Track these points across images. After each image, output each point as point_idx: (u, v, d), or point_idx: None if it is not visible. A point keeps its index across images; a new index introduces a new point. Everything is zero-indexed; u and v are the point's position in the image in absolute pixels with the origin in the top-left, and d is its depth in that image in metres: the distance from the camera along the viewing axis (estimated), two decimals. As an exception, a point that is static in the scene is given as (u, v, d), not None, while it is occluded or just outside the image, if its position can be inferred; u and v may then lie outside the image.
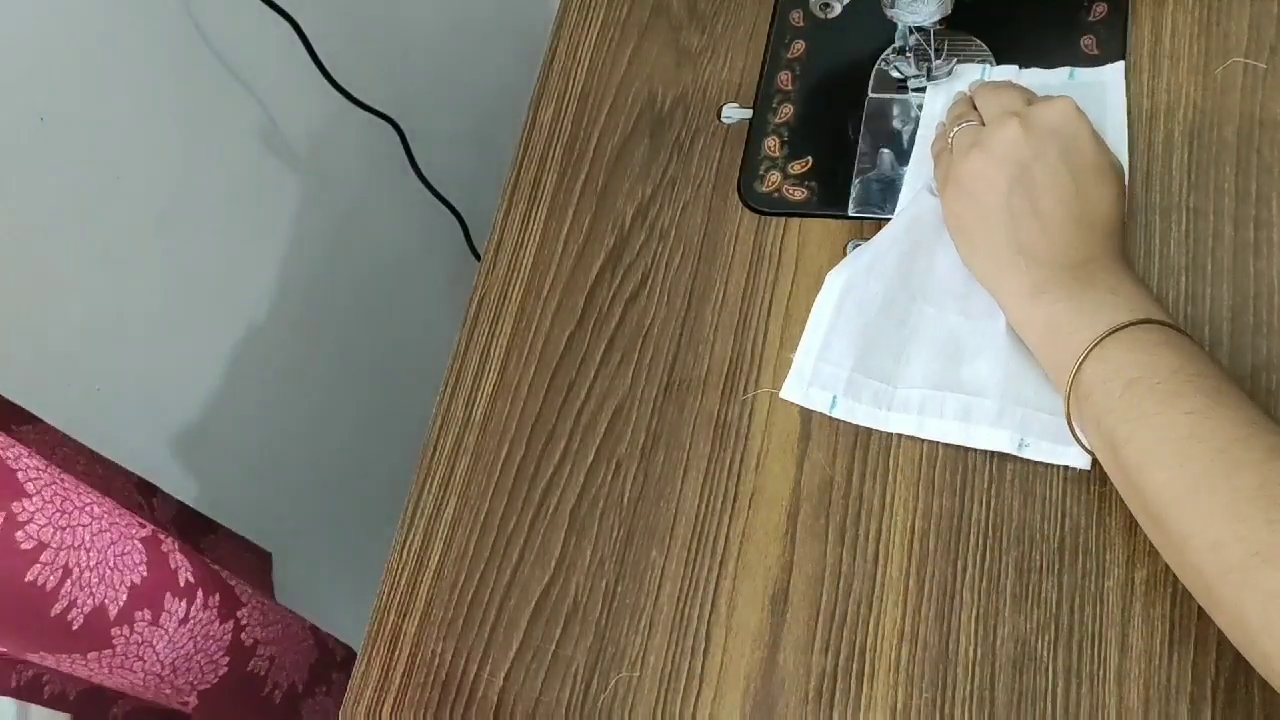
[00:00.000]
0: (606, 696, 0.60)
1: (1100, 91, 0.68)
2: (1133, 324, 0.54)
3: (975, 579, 0.58)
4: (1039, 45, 0.69)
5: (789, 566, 0.61)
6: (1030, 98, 0.62)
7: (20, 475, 0.56)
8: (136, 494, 0.75)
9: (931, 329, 0.64)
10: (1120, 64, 0.68)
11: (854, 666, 0.58)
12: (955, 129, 0.63)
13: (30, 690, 0.64)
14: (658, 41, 0.79)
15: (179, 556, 0.64)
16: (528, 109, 0.79)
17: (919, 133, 0.70)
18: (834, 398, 0.63)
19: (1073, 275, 0.57)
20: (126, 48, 0.72)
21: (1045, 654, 0.56)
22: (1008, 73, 0.70)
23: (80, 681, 0.66)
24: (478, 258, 0.94)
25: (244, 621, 0.68)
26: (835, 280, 0.66)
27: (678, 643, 0.61)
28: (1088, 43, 0.70)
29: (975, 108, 0.64)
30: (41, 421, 0.69)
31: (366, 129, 0.93)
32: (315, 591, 0.91)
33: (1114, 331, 0.54)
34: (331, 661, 0.80)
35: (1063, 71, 0.69)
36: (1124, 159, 0.65)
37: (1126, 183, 0.65)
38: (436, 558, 0.66)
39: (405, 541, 0.67)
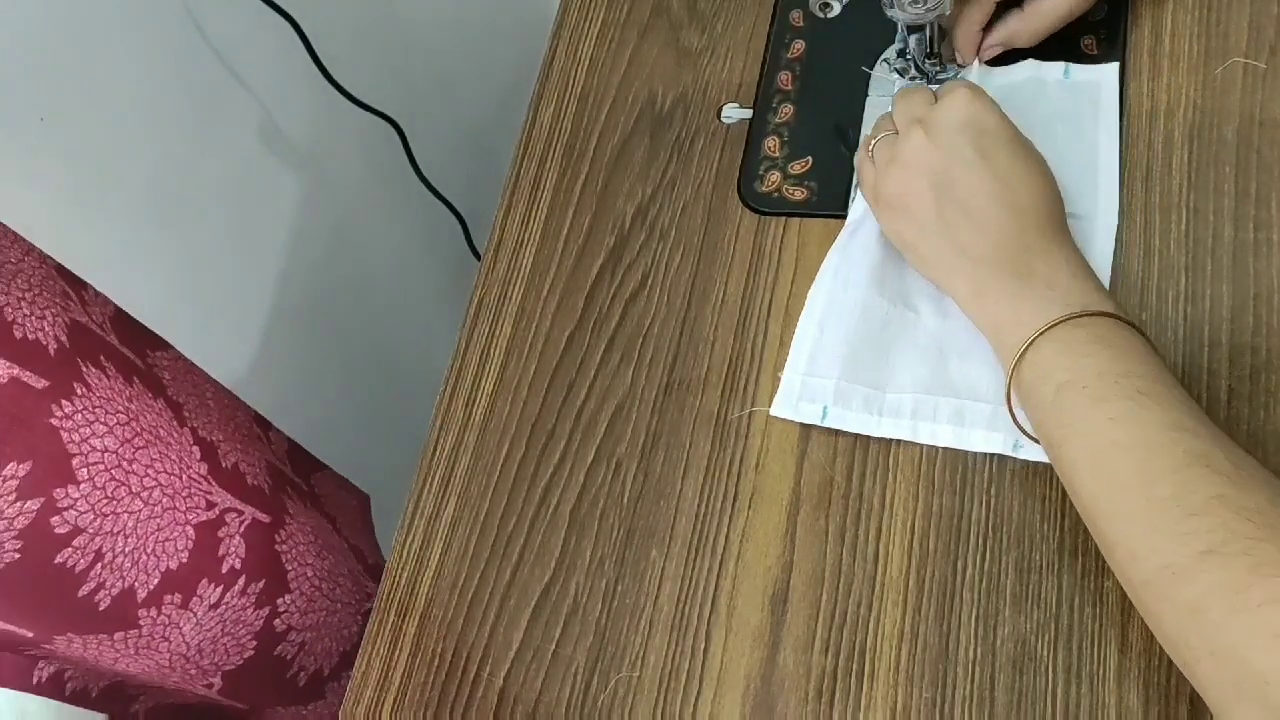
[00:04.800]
0: (606, 696, 0.60)
1: (1094, 91, 0.68)
2: (1066, 319, 0.54)
3: (975, 579, 0.58)
4: (1039, 45, 0.69)
5: (789, 566, 0.61)
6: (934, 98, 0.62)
7: (76, 461, 0.57)
8: (255, 425, 0.77)
9: (912, 332, 0.64)
10: (1115, 64, 0.68)
11: (854, 666, 0.58)
12: (874, 141, 0.63)
13: (52, 686, 0.64)
14: (658, 41, 0.79)
15: (237, 542, 0.65)
16: (528, 109, 0.79)
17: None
18: (824, 408, 0.63)
19: (1011, 271, 0.57)
20: (126, 48, 0.72)
21: (1045, 654, 0.56)
22: (1007, 71, 0.70)
23: (103, 676, 0.67)
24: (478, 258, 0.94)
25: (282, 609, 0.69)
26: (815, 296, 0.66)
27: (678, 643, 0.61)
28: (1088, 43, 0.70)
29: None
30: (174, 349, 0.69)
31: (366, 129, 0.93)
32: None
33: (1045, 330, 0.54)
34: None
35: (1057, 67, 0.69)
36: (1116, 158, 0.65)
37: (1125, 180, 0.65)
38: (436, 558, 0.66)
39: (405, 541, 0.67)
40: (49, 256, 0.63)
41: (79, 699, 0.66)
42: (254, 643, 0.68)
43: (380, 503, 0.97)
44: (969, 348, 0.62)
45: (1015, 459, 0.60)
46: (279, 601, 0.69)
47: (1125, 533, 0.49)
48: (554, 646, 0.62)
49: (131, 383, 0.62)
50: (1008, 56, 0.70)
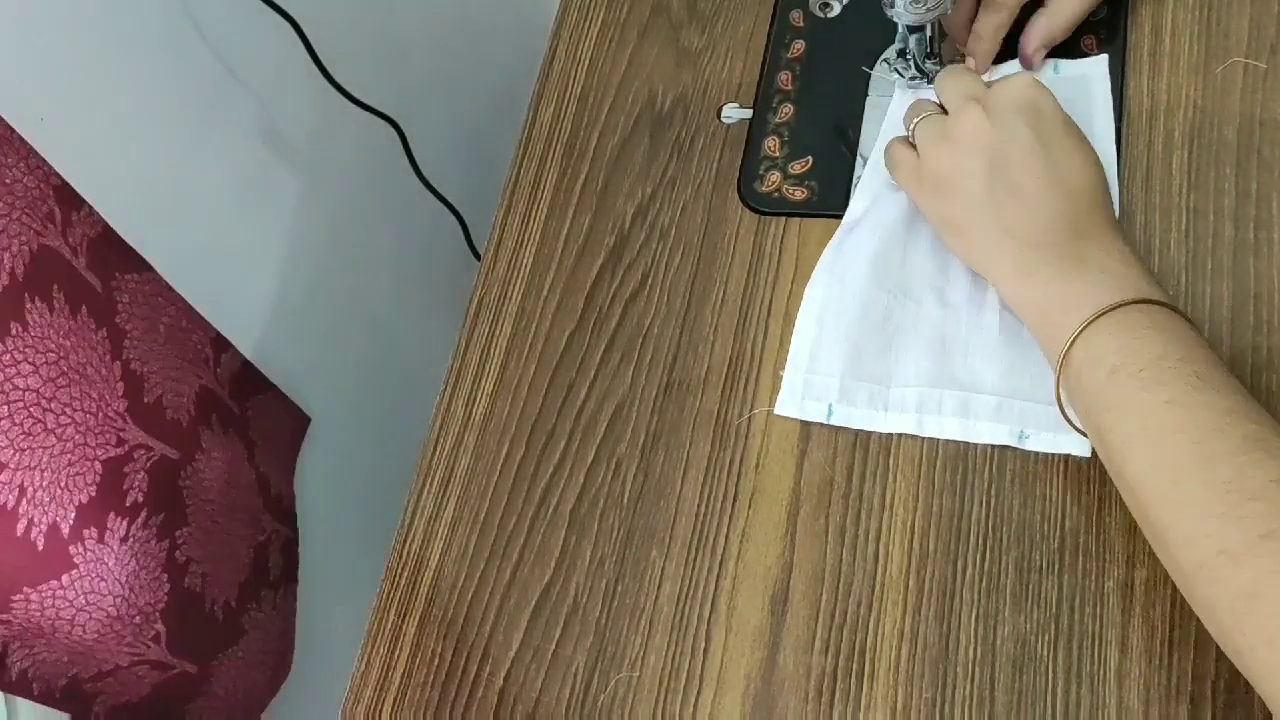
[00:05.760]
0: (606, 696, 0.60)
1: (1085, 85, 0.68)
2: (1122, 305, 0.54)
3: (975, 579, 0.58)
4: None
5: (789, 566, 0.61)
6: (988, 82, 0.62)
7: None
8: (209, 348, 0.79)
9: (914, 324, 0.64)
10: (1104, 57, 0.68)
11: (854, 666, 0.58)
12: (916, 121, 0.63)
13: (19, 687, 0.65)
14: (658, 41, 0.79)
15: (141, 477, 0.67)
16: (528, 109, 0.79)
17: (883, 129, 0.70)
18: (829, 406, 0.63)
19: (1063, 254, 0.57)
20: (126, 48, 0.72)
21: (1045, 654, 0.56)
22: (995, 70, 0.70)
23: (61, 672, 0.68)
24: (478, 258, 0.94)
25: (180, 540, 0.71)
26: (814, 293, 0.66)
27: (678, 643, 0.61)
28: (1088, 42, 0.70)
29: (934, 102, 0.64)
30: (152, 270, 0.72)
31: (366, 129, 0.93)
32: (319, 590, 0.91)
33: (1101, 314, 0.54)
34: (264, 580, 0.82)
35: (1047, 64, 0.69)
36: (1112, 153, 0.65)
37: (1125, 180, 0.65)
38: (436, 557, 0.66)
39: (405, 541, 0.67)
40: (55, 174, 0.63)
41: (46, 698, 0.67)
42: (165, 576, 0.70)
43: (380, 502, 0.97)
44: (972, 339, 0.62)
45: (1016, 459, 0.60)
46: (177, 534, 0.71)
47: (1179, 516, 0.49)
48: (554, 646, 0.62)
49: (76, 315, 0.64)
50: (996, 56, 0.70)
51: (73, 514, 0.63)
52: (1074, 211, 0.57)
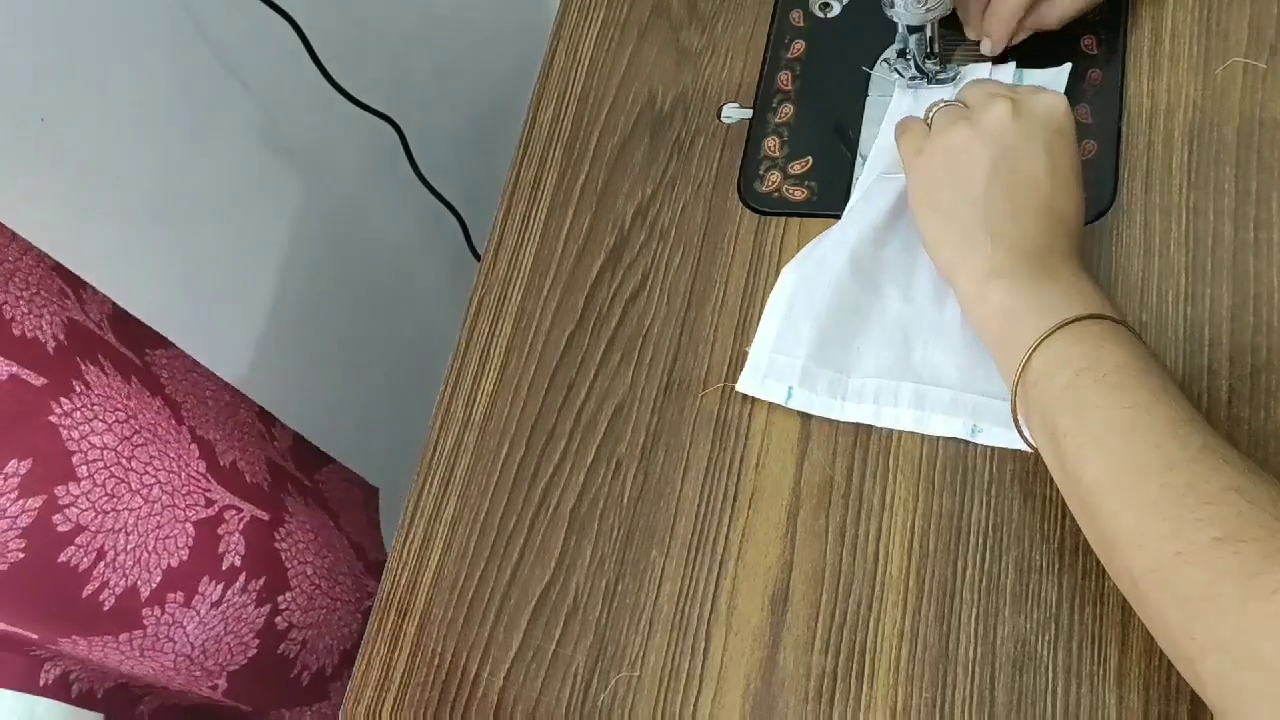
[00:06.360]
0: (606, 696, 0.60)
1: None
2: (1089, 317, 0.54)
3: (975, 579, 0.58)
4: (1039, 45, 0.69)
5: (789, 566, 0.61)
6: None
7: (76, 459, 0.56)
8: (259, 422, 0.76)
9: (880, 317, 0.64)
10: (1067, 66, 0.68)
11: (854, 666, 0.58)
12: (938, 108, 0.62)
13: (58, 688, 0.64)
14: (658, 41, 0.79)
15: (237, 539, 0.65)
16: (528, 109, 0.79)
17: (882, 127, 0.70)
18: (790, 389, 0.64)
19: (1036, 264, 0.57)
20: (126, 48, 0.72)
21: (1045, 654, 0.56)
22: (1003, 72, 0.70)
23: (109, 677, 0.67)
24: (478, 258, 0.94)
25: (283, 606, 0.69)
26: (788, 275, 0.67)
27: (678, 643, 0.61)
28: (1088, 43, 0.70)
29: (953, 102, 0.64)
30: (174, 346, 0.69)
31: (366, 129, 0.93)
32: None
33: (1068, 323, 0.54)
34: None
35: (1008, 69, 0.69)
36: None
37: (1125, 180, 0.65)
38: (436, 557, 0.66)
39: (405, 541, 0.67)
40: (47, 255, 0.63)
41: (85, 700, 0.65)
42: (256, 641, 0.68)
43: (380, 502, 0.97)
44: (933, 334, 0.63)
45: (1016, 459, 0.60)
46: (279, 599, 0.69)
47: (1137, 517, 0.49)
48: (554, 646, 0.62)
49: (130, 381, 0.62)
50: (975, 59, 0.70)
51: (158, 577, 0.61)
52: (1054, 231, 0.57)
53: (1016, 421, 0.57)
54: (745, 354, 0.67)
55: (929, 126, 0.62)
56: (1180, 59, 0.68)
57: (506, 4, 1.16)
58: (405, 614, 0.65)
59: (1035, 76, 0.69)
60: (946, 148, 0.60)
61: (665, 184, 0.74)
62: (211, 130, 0.81)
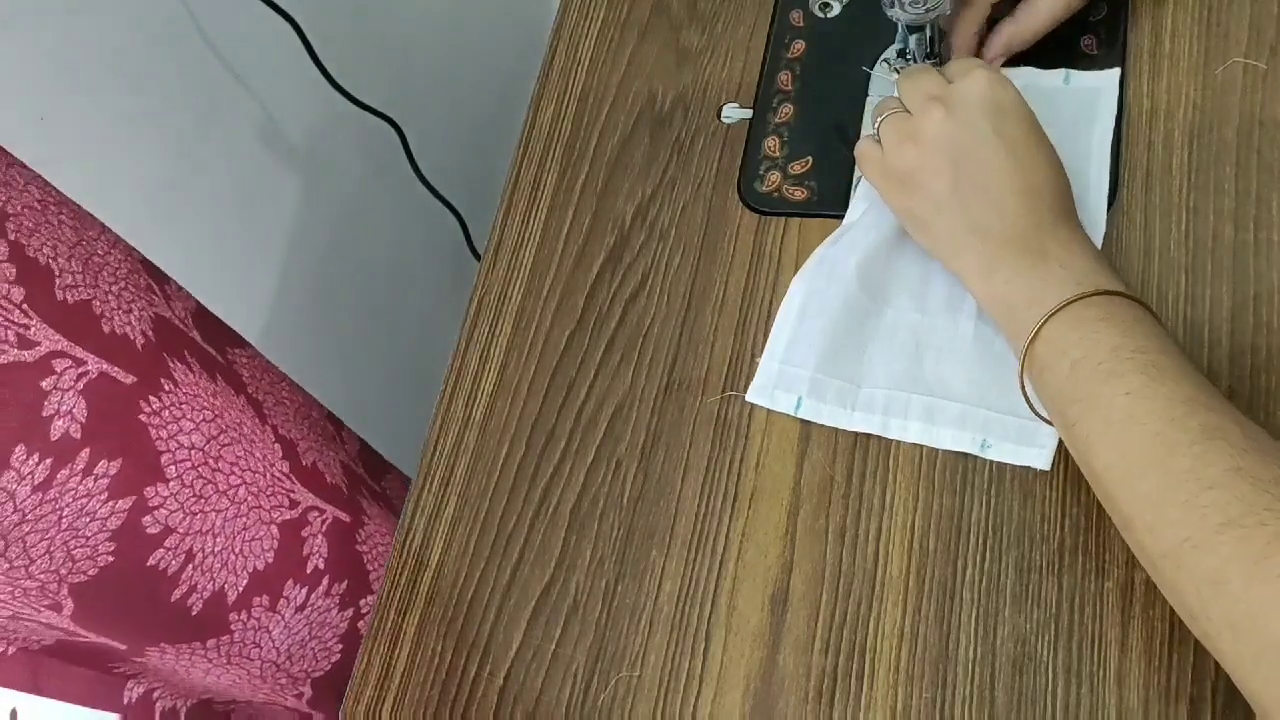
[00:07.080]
0: (606, 696, 0.60)
1: (1093, 97, 0.68)
2: (1080, 298, 0.54)
3: (975, 579, 0.58)
4: (1039, 45, 0.69)
5: (789, 566, 0.61)
6: (950, 77, 0.61)
7: (165, 459, 0.55)
8: (329, 424, 0.75)
9: (891, 328, 0.64)
10: (1116, 71, 0.68)
11: (854, 666, 0.58)
12: (880, 119, 0.63)
13: (142, 707, 0.62)
14: (658, 41, 0.79)
15: (320, 541, 0.63)
16: (528, 109, 0.79)
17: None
18: (799, 399, 0.64)
19: (1023, 249, 0.57)
20: (126, 47, 0.72)
21: (1045, 654, 0.56)
22: (1052, 78, 0.69)
23: (192, 694, 0.65)
24: (478, 258, 0.94)
25: (365, 611, 0.67)
26: (798, 285, 0.67)
27: (678, 643, 0.61)
28: (1088, 43, 0.70)
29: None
30: (251, 346, 0.68)
31: (366, 129, 0.93)
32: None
33: (1060, 309, 0.54)
34: None
35: (1058, 74, 0.69)
36: (1106, 164, 0.65)
37: (1125, 180, 0.65)
38: (436, 557, 0.66)
39: (405, 540, 0.67)
40: (134, 249, 0.61)
41: (169, 719, 0.64)
42: (340, 646, 0.67)
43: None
44: (944, 346, 0.63)
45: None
46: (362, 603, 0.68)
47: (1143, 507, 0.49)
48: (554, 646, 0.62)
49: (215, 379, 0.60)
50: (1008, 61, 0.70)
51: (244, 581, 0.59)
52: (1035, 207, 0.57)
53: (1031, 407, 0.57)
54: (746, 354, 0.67)
55: (879, 143, 0.63)
56: (1180, 59, 0.68)
57: (506, 4, 1.16)
58: (405, 613, 0.65)
59: (1083, 79, 0.68)
60: (905, 170, 0.60)
61: (665, 184, 0.74)
62: (211, 130, 0.81)
